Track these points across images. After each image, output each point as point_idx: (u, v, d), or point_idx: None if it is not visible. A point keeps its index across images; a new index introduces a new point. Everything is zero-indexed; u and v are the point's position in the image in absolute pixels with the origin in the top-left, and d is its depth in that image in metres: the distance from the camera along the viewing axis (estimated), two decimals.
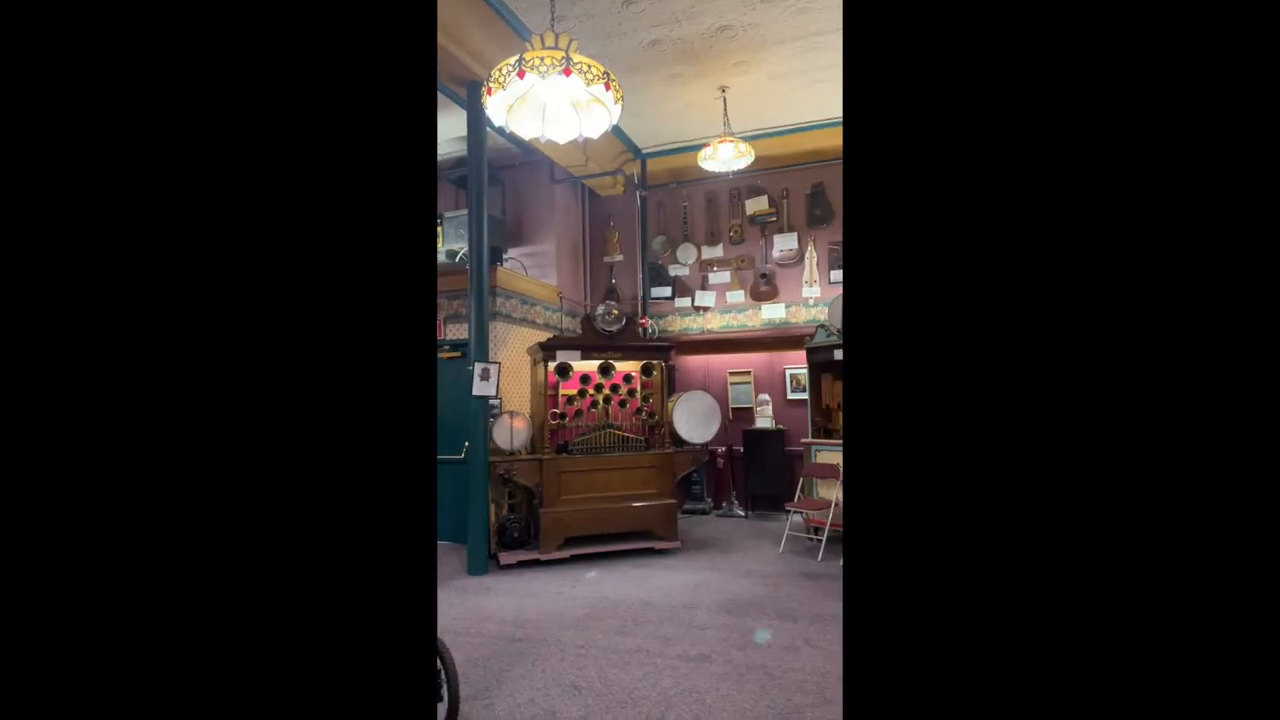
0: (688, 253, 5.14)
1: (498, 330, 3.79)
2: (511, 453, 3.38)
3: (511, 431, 3.38)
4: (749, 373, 4.88)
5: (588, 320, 3.66)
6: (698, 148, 3.90)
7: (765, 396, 4.69)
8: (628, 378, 3.68)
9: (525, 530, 3.50)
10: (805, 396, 4.31)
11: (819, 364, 3.90)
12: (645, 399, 3.69)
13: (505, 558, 3.27)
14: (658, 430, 3.66)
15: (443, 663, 1.56)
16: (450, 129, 4.03)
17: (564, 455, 3.47)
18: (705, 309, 5.05)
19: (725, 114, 3.92)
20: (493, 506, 3.38)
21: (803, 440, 3.86)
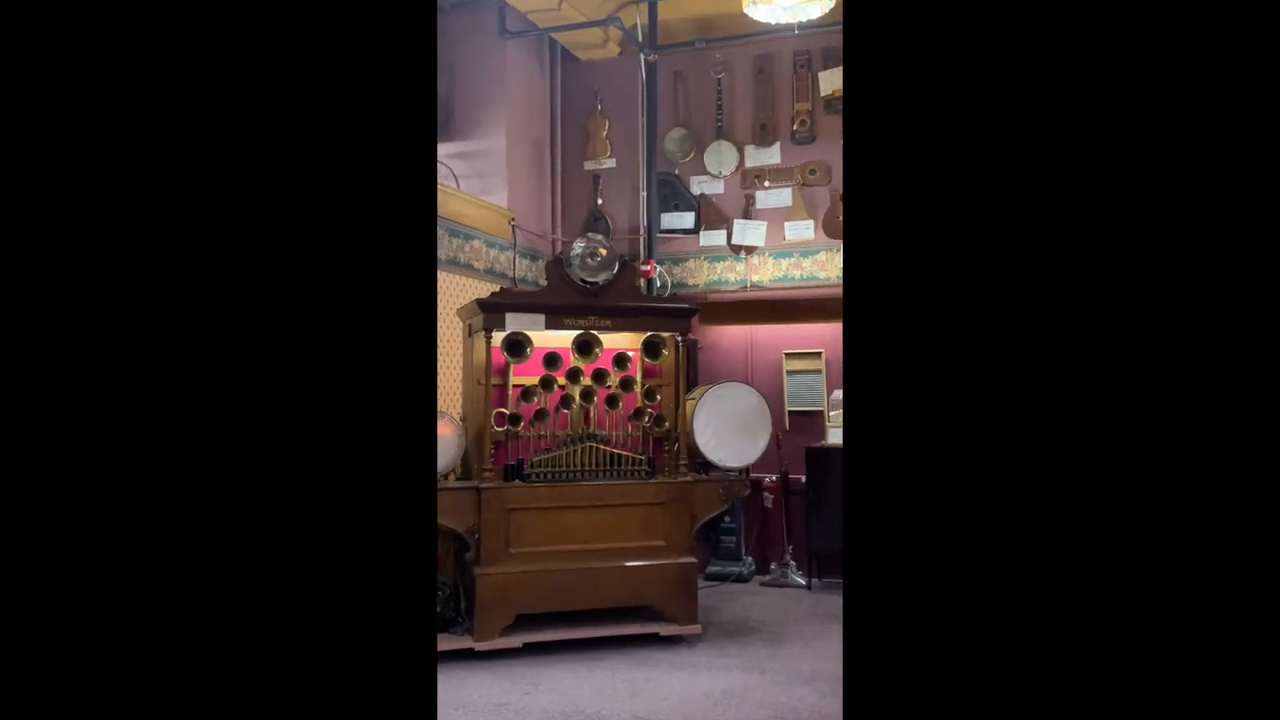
0: (723, 157, 5.11)
1: None
2: None
3: None
4: (819, 355, 4.88)
5: (558, 265, 3.63)
6: None
7: (843, 394, 4.70)
8: (621, 360, 3.65)
9: (451, 603, 3.54)
10: None
11: None
12: (649, 395, 3.68)
13: None
14: (668, 446, 3.67)
15: None
16: None
17: (516, 484, 3.47)
18: (750, 250, 5.03)
19: None
20: None
21: None
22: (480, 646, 3.30)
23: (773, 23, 3.88)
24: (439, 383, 4.03)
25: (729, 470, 3.72)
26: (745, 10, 3.73)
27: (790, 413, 4.86)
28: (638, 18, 4.91)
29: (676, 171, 5.15)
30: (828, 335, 4.86)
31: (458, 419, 3.61)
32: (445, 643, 3.33)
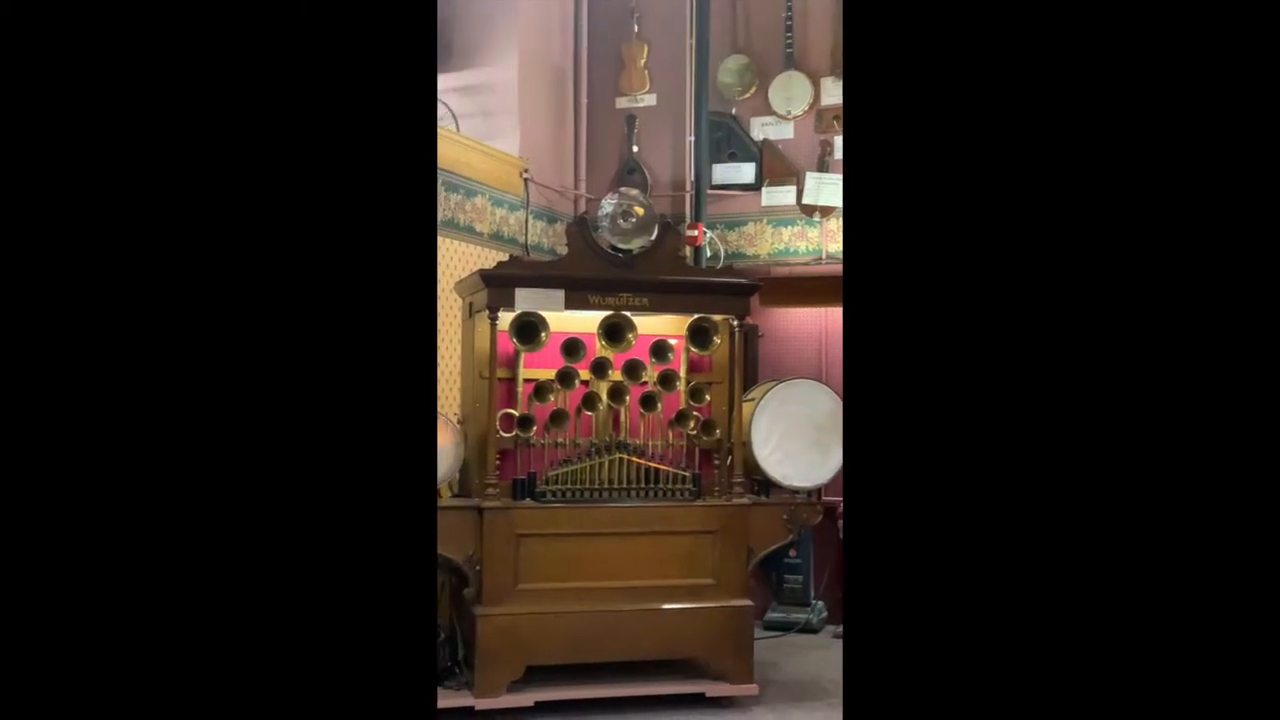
0: (793, 92, 5.02)
1: None
2: None
3: None
4: None
5: (581, 229, 3.61)
6: None
7: None
8: (660, 349, 3.63)
9: (446, 650, 3.55)
10: None
11: None
12: (695, 394, 3.64)
13: None
14: (719, 459, 3.64)
15: None
16: None
17: (527, 504, 3.47)
18: (827, 211, 4.94)
19: None
20: None
21: None
22: (482, 704, 3.30)
23: None
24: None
25: (796, 491, 3.69)
26: None
27: None
28: None
29: (733, 111, 5.07)
30: None
31: (454, 421, 3.62)
32: (439, 698, 3.31)
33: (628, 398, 3.56)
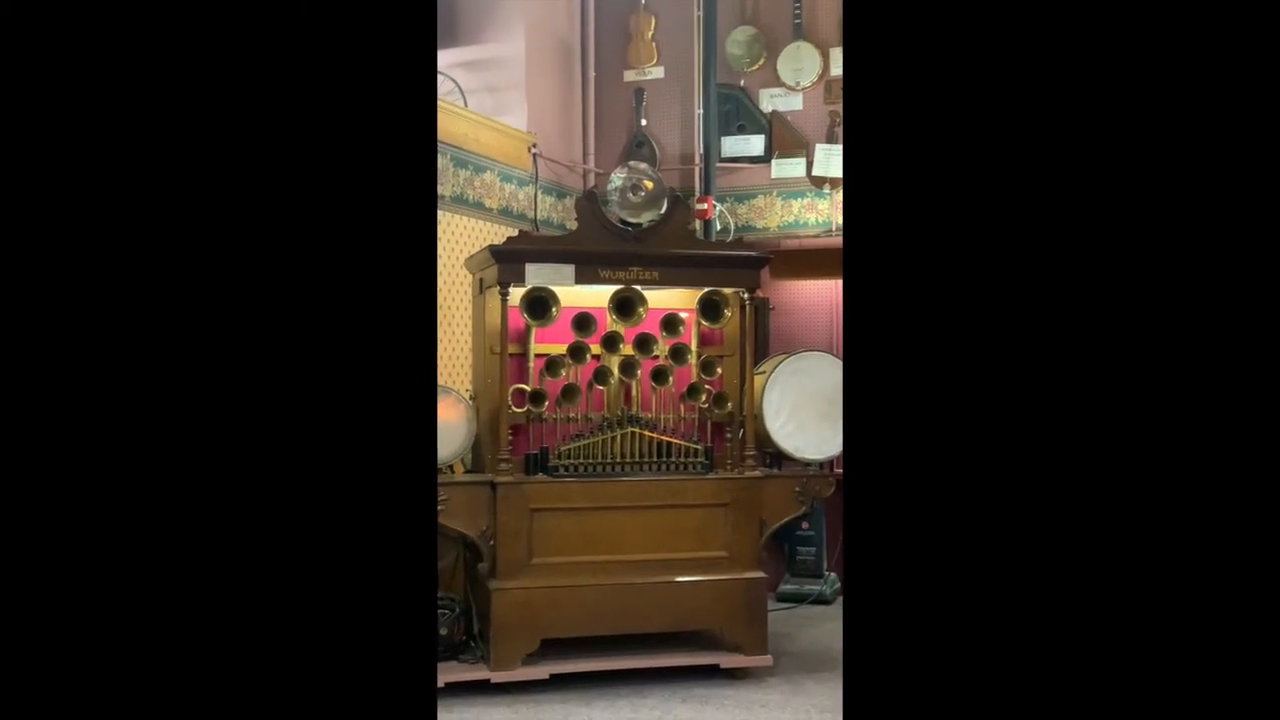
0: (802, 63, 5.05)
1: None
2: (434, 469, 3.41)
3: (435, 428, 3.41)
4: None
5: (591, 203, 3.63)
6: None
7: None
8: (671, 323, 3.66)
9: (461, 624, 3.60)
10: None
11: None
12: (707, 368, 3.69)
13: None
14: (731, 432, 3.67)
15: None
16: None
17: (539, 478, 3.51)
18: (837, 183, 4.97)
19: None
20: None
21: None
22: (497, 678, 3.36)
23: None
24: (441, 351, 4.07)
25: (808, 463, 3.71)
26: None
27: None
28: None
29: (742, 83, 5.10)
30: None
31: (466, 397, 3.64)
32: (454, 673, 3.39)
33: (639, 372, 3.59)
